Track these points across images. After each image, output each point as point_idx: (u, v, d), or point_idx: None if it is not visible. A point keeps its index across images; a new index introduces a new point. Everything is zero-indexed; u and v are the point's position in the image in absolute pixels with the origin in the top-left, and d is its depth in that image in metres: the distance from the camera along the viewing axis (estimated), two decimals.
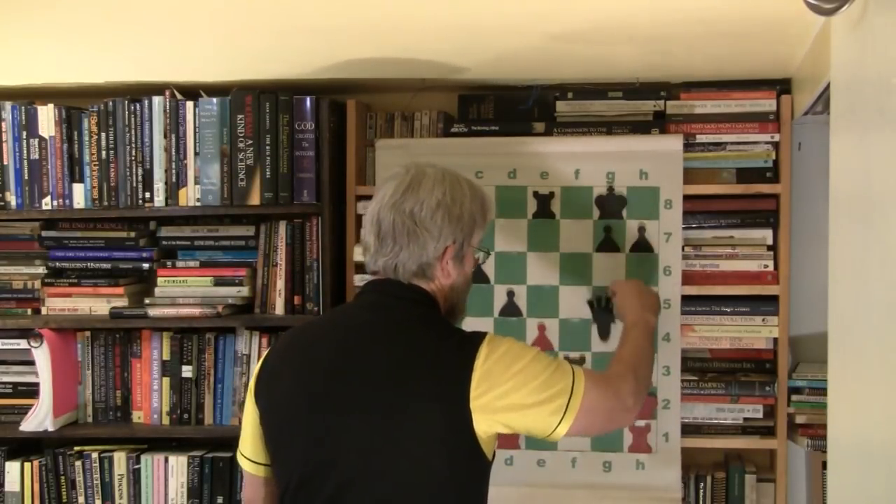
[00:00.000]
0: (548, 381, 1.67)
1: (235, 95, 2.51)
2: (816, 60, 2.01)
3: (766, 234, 2.45)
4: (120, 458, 2.58)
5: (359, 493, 1.65)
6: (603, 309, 2.40)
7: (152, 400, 2.59)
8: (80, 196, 2.58)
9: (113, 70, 2.45)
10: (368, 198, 2.49)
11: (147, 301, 2.57)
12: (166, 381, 2.58)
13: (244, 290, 2.58)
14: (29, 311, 2.65)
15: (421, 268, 1.73)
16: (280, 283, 2.54)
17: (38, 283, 2.65)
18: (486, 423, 1.63)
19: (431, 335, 1.71)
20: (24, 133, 2.59)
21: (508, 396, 1.64)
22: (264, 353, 1.88)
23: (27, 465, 2.60)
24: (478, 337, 1.69)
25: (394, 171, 1.82)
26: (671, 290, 2.42)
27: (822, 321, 1.66)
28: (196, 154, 2.53)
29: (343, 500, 1.66)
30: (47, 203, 2.59)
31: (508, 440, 2.45)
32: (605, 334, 2.44)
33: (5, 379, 2.65)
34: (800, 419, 2.42)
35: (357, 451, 1.65)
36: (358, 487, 1.65)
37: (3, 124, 2.59)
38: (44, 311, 2.65)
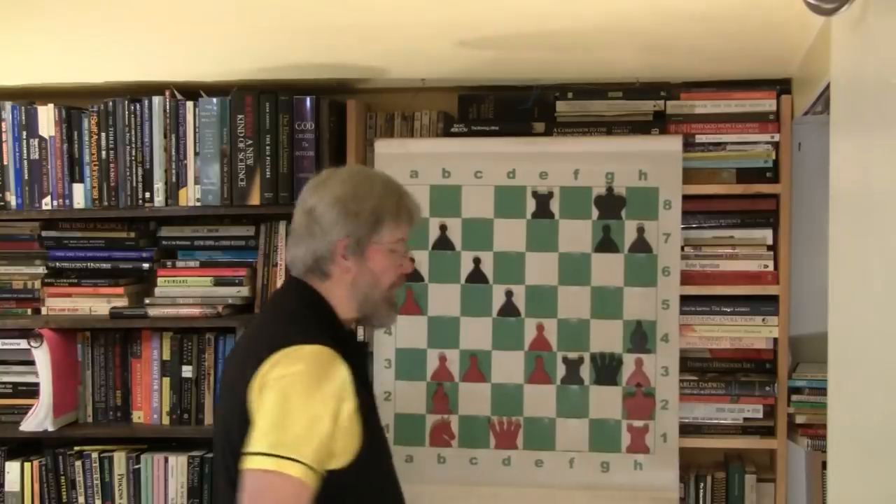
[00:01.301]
0: (286, 426, 1.58)
1: (235, 95, 2.50)
2: (816, 60, 2.01)
3: (766, 234, 2.45)
4: (120, 458, 2.58)
5: (215, 471, 1.85)
6: None
7: (152, 400, 2.59)
8: (80, 196, 2.58)
9: (113, 70, 2.45)
10: None
11: (147, 301, 2.57)
12: (166, 381, 2.58)
13: (244, 290, 2.58)
14: (29, 311, 2.65)
15: (317, 262, 1.75)
16: (280, 283, 2.54)
17: (38, 283, 2.65)
18: None
19: (280, 328, 1.72)
20: (24, 133, 2.59)
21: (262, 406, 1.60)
22: None
23: (27, 465, 2.59)
24: (287, 342, 1.63)
25: None
26: (670, 290, 2.42)
27: (822, 321, 1.66)
28: (196, 154, 2.53)
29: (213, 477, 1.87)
30: (47, 203, 2.59)
31: (508, 439, 2.46)
32: None
33: (5, 379, 2.65)
34: (800, 419, 2.42)
35: (216, 432, 1.78)
36: (215, 465, 1.83)
37: (3, 124, 2.59)
38: (44, 311, 2.64)
